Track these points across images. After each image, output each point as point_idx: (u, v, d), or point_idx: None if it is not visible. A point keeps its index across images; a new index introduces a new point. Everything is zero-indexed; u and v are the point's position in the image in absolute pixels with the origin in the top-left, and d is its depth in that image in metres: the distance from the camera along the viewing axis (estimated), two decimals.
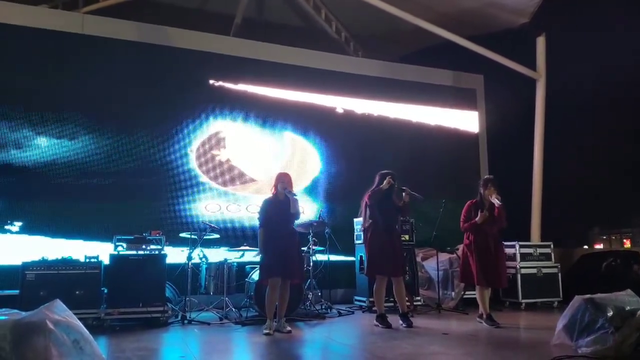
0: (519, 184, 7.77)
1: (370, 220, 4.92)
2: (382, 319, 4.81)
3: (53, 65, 6.17)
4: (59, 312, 2.28)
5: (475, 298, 6.24)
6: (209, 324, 4.98)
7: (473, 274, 4.88)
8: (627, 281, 5.84)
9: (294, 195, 4.69)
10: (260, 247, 4.68)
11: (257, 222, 4.94)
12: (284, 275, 4.54)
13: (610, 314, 3.36)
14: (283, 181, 4.71)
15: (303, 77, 7.45)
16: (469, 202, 5.12)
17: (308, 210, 7.11)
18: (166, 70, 6.69)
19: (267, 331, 4.41)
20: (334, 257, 6.26)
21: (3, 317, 2.19)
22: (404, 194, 4.88)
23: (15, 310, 2.33)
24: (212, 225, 5.83)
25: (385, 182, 4.85)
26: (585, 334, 3.42)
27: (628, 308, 3.40)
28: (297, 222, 4.90)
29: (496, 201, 4.86)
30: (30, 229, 5.76)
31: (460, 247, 6.74)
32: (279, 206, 4.68)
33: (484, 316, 4.87)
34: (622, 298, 3.55)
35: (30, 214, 5.78)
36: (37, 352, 2.11)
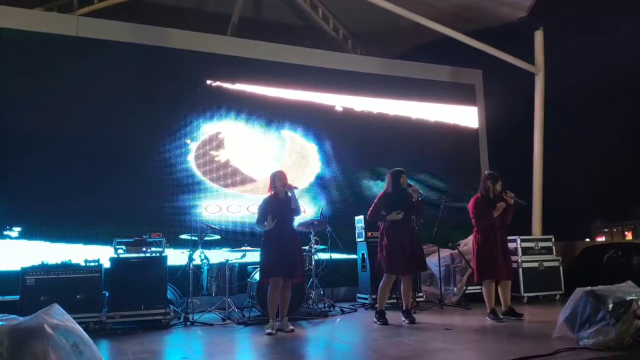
0: (519, 178, 7.75)
1: (383, 215, 4.87)
2: (380, 316, 4.81)
3: (48, 67, 6.15)
4: (57, 316, 2.27)
5: (477, 293, 6.27)
6: (211, 325, 4.98)
7: (492, 269, 4.76)
8: (629, 273, 5.82)
9: (295, 188, 4.67)
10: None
11: None
12: (285, 274, 4.52)
13: (611, 305, 3.35)
14: (280, 178, 4.68)
15: (301, 75, 7.43)
16: (475, 198, 5.00)
17: (309, 209, 7.10)
18: (163, 71, 6.67)
19: (269, 331, 4.41)
20: (335, 256, 6.25)
21: (0, 323, 2.18)
22: (411, 190, 4.85)
23: (13, 316, 2.32)
24: (213, 226, 5.82)
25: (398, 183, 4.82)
26: (587, 326, 3.41)
27: (628, 299, 3.39)
28: (298, 221, 4.87)
29: (510, 200, 4.89)
30: (29, 234, 5.75)
31: (462, 242, 6.74)
32: (279, 205, 4.66)
33: (488, 310, 4.84)
34: (623, 289, 3.54)
35: (30, 219, 5.77)
36: (36, 357, 2.09)
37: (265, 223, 4.60)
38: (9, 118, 5.88)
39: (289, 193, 4.66)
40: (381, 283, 4.89)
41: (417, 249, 4.85)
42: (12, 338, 2.08)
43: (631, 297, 3.39)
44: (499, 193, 4.94)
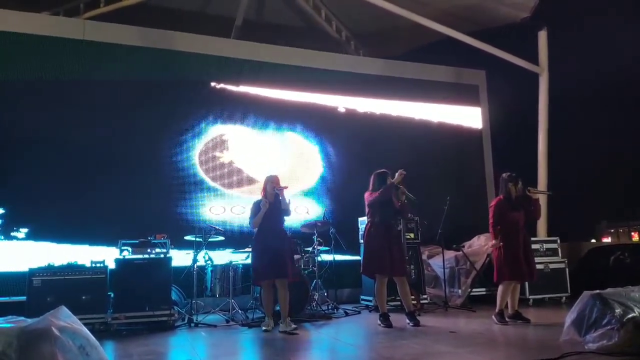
0: (523, 179, 7.72)
1: (369, 220, 4.91)
2: (384, 318, 4.81)
3: (55, 71, 6.19)
4: (64, 318, 2.29)
5: (482, 295, 6.26)
6: (215, 326, 4.99)
7: (511, 270, 4.71)
8: (636, 274, 5.78)
9: (284, 188, 4.73)
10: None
11: None
12: (275, 275, 4.62)
13: (617, 309, 3.31)
14: (272, 181, 4.77)
15: (304, 77, 7.45)
16: (496, 202, 4.94)
17: (312, 210, 7.10)
18: (168, 74, 6.70)
19: (265, 328, 4.58)
20: (339, 257, 6.25)
21: (9, 325, 2.20)
22: (399, 192, 4.85)
23: (21, 318, 2.34)
24: (217, 227, 5.83)
25: (389, 184, 4.79)
26: (593, 329, 3.38)
27: (636, 304, 3.35)
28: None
29: (535, 195, 4.94)
30: (36, 235, 5.78)
31: (467, 244, 6.73)
32: (269, 208, 4.71)
33: (497, 310, 4.81)
34: (632, 294, 3.50)
35: (36, 220, 5.80)
36: (44, 358, 2.12)
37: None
38: (17, 121, 5.91)
39: (279, 196, 4.71)
40: (375, 286, 4.93)
41: (397, 251, 4.82)
42: (20, 340, 2.11)
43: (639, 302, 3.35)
44: (522, 192, 4.91)
